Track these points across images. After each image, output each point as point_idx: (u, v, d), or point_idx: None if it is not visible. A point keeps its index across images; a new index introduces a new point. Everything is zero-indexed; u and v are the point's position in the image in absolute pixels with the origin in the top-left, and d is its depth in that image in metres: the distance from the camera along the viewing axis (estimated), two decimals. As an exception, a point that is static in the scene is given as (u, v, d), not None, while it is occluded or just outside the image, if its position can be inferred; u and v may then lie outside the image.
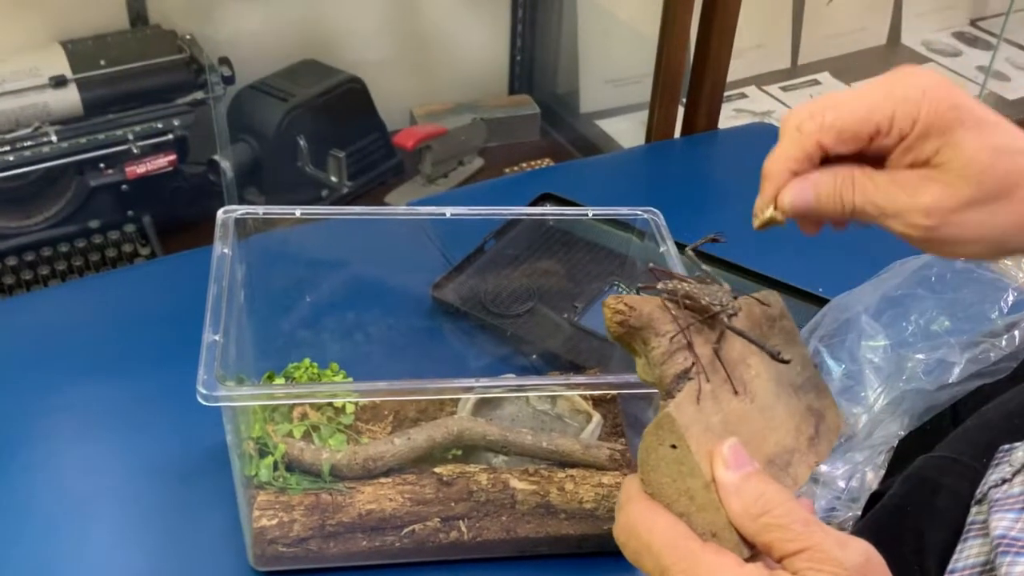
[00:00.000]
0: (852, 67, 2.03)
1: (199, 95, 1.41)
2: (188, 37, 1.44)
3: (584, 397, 0.79)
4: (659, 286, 0.54)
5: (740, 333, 0.54)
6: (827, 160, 0.56)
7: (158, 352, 0.89)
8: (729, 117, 1.83)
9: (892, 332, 0.80)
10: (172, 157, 1.39)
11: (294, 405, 0.75)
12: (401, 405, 0.80)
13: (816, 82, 2.01)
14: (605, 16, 1.81)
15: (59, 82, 1.34)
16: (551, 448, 0.74)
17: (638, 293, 0.53)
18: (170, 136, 1.38)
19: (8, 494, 0.78)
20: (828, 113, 0.54)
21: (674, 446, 0.49)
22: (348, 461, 0.72)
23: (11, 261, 1.33)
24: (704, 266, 0.58)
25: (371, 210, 0.82)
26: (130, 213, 1.40)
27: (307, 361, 0.83)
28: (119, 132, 1.35)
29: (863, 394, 0.77)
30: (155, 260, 1.37)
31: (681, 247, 0.86)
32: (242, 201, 1.46)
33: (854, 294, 0.84)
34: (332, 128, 1.55)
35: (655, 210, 0.82)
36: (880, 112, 0.54)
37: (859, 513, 0.73)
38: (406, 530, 0.72)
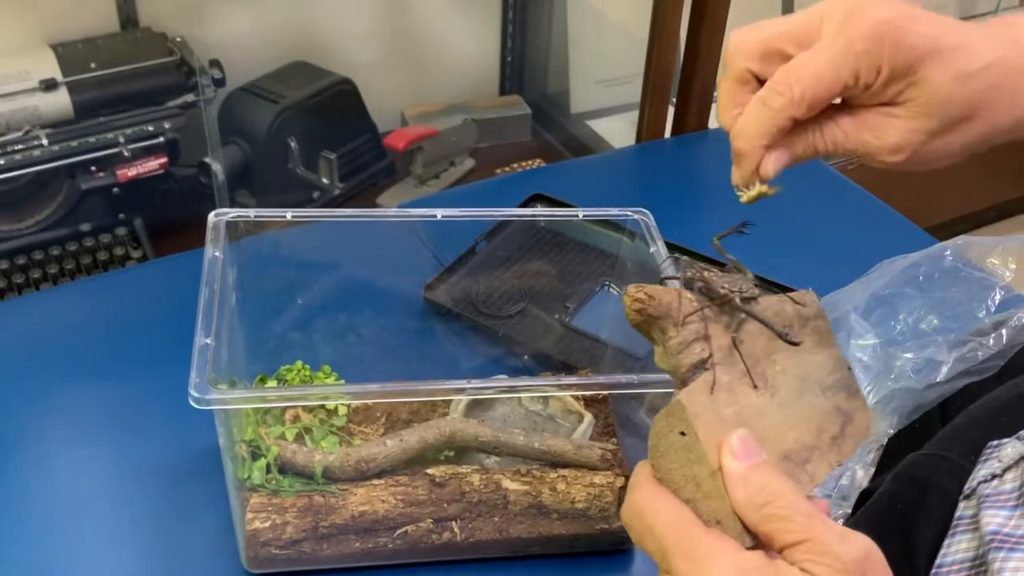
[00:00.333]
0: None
1: (190, 97, 1.41)
2: (178, 40, 1.44)
3: (576, 397, 0.80)
4: (679, 275, 0.54)
5: (750, 313, 0.53)
6: None
7: (150, 355, 0.89)
8: (719, 117, 1.84)
9: (881, 331, 0.81)
10: (163, 160, 1.39)
11: (286, 407, 0.75)
12: (393, 407, 0.80)
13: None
14: (595, 16, 1.81)
15: (49, 85, 1.34)
16: (543, 448, 0.74)
17: (662, 283, 0.53)
18: (161, 139, 1.37)
19: (1, 497, 0.78)
20: (795, 87, 0.54)
21: (683, 433, 0.49)
22: (341, 463, 0.72)
23: (2, 265, 1.33)
24: (729, 255, 0.58)
25: (362, 212, 0.82)
26: (121, 216, 1.40)
27: (299, 363, 0.83)
28: (110, 135, 1.35)
29: (853, 392, 0.78)
30: (147, 263, 1.36)
31: (671, 247, 0.87)
32: (233, 203, 1.46)
33: (843, 293, 0.85)
34: (323, 130, 1.55)
35: (645, 211, 0.82)
36: (845, 71, 0.54)
37: (849, 511, 0.73)
38: (399, 531, 0.72)
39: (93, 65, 1.37)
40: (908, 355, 0.78)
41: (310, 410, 0.76)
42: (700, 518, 0.48)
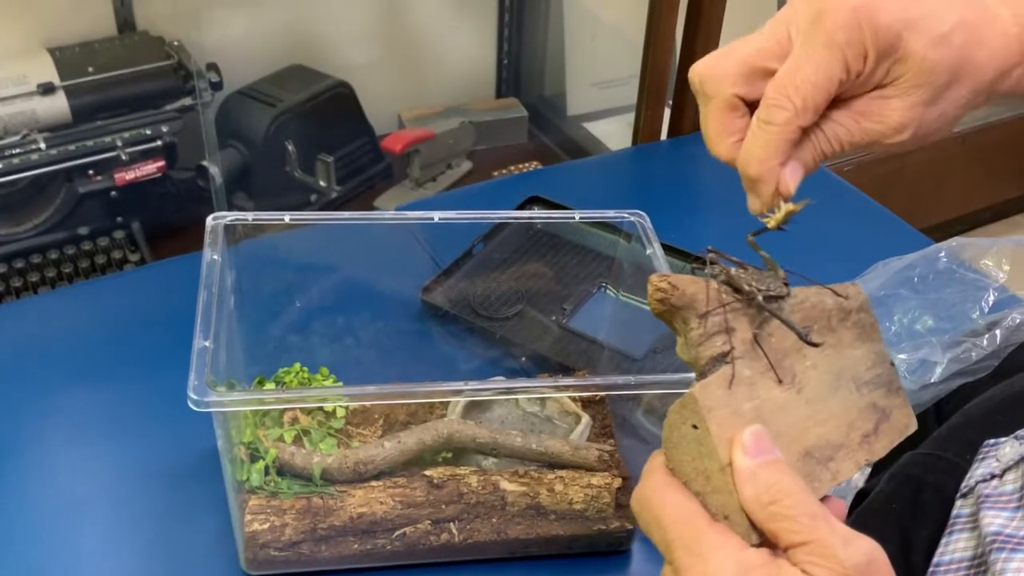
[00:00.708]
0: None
1: (187, 101, 1.42)
2: (176, 43, 1.44)
3: (573, 399, 0.80)
4: (707, 270, 0.53)
5: (772, 312, 0.52)
6: None
7: (149, 358, 0.89)
8: (716, 119, 1.84)
9: (876, 332, 0.81)
10: (161, 163, 1.39)
11: (285, 410, 0.75)
12: (391, 408, 0.80)
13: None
14: (591, 19, 1.81)
15: (47, 89, 1.34)
16: (540, 450, 0.74)
17: (692, 273, 0.52)
18: (159, 142, 1.38)
19: (1, 498, 0.78)
20: (795, 97, 0.54)
21: (695, 426, 0.49)
22: (339, 465, 0.72)
23: (0, 269, 1.33)
24: (763, 252, 0.57)
25: (360, 215, 0.82)
26: (119, 219, 1.40)
27: (297, 366, 0.83)
28: (107, 139, 1.35)
29: (848, 393, 0.78)
30: (145, 266, 1.36)
31: (668, 249, 0.87)
32: (231, 206, 1.47)
33: (839, 294, 0.85)
34: (320, 133, 1.55)
35: (642, 213, 0.82)
36: (836, 65, 0.54)
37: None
38: (397, 533, 0.73)
39: (91, 69, 1.38)
40: (903, 356, 0.78)
41: (308, 412, 0.77)
42: (708, 512, 0.48)
